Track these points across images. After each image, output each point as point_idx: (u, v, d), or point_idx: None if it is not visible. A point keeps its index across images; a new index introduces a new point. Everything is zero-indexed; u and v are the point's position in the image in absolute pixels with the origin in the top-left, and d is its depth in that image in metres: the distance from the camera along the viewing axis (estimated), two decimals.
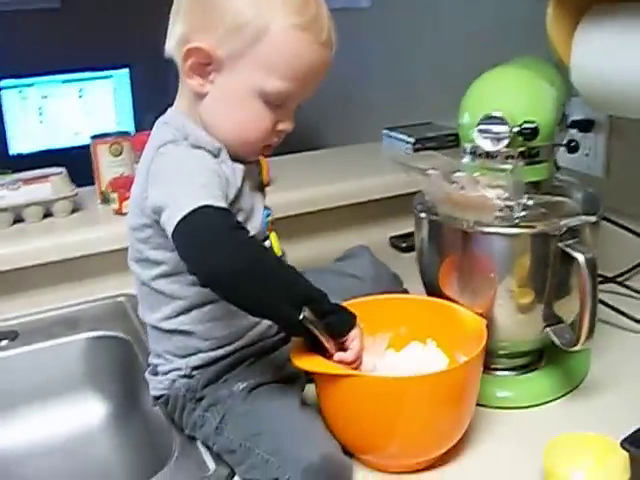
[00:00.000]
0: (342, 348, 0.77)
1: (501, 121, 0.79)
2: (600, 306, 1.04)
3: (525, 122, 0.79)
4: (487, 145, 0.80)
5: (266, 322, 0.85)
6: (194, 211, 0.70)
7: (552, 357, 0.92)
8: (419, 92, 1.79)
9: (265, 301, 0.72)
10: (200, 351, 0.83)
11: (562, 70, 0.94)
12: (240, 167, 0.82)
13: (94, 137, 1.33)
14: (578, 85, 0.93)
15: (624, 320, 1.03)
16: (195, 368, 0.83)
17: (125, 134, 1.39)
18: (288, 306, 0.72)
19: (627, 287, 1.11)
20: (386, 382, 0.74)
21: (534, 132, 0.79)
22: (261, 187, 0.91)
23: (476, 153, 0.84)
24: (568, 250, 0.78)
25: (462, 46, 1.58)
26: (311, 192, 1.39)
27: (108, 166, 1.33)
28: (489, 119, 0.79)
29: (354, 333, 0.77)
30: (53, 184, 1.26)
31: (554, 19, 0.92)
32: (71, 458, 1.08)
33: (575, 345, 0.81)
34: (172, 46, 0.81)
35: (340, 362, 0.76)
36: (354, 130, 2.06)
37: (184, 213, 0.70)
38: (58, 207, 1.27)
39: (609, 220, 1.12)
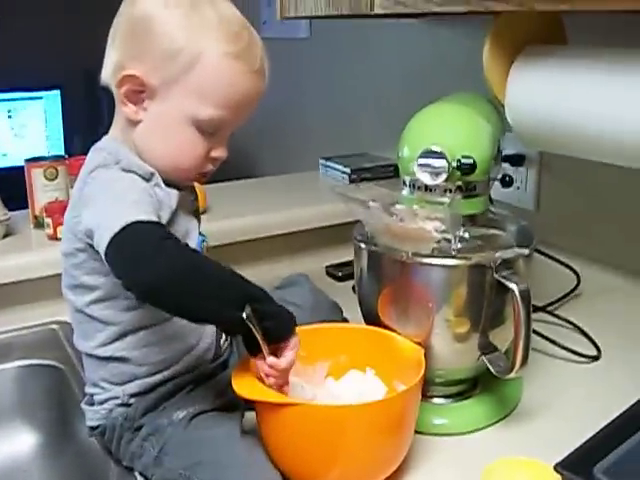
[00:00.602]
0: (276, 354, 0.76)
1: (440, 156, 0.81)
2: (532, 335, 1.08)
3: (463, 157, 0.82)
4: (426, 179, 0.82)
5: (203, 346, 0.86)
6: (124, 228, 0.70)
7: (486, 385, 0.94)
8: (355, 123, 1.82)
9: (205, 306, 0.71)
10: (137, 377, 0.82)
11: (497, 107, 0.98)
12: (174, 192, 0.83)
13: (28, 160, 1.31)
14: (513, 122, 0.97)
15: (554, 348, 1.07)
16: (133, 395, 0.82)
17: (60, 158, 1.36)
18: (229, 308, 0.71)
19: (556, 316, 1.15)
20: (327, 411, 0.74)
21: (472, 167, 0.82)
22: (196, 213, 0.91)
23: (415, 186, 0.86)
24: (503, 281, 0.81)
25: (398, 79, 1.62)
26: (247, 221, 1.40)
27: (42, 190, 1.31)
28: (429, 153, 0.82)
29: (292, 343, 0.76)
30: None
31: (490, 58, 0.96)
32: None
33: (509, 373, 0.84)
34: (108, 74, 0.82)
35: (271, 367, 0.75)
36: (291, 159, 2.09)
37: (114, 232, 0.70)
38: None
39: (539, 251, 1.16)
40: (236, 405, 0.83)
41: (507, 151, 1.24)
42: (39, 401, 1.12)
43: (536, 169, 1.24)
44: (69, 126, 2.95)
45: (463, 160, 0.81)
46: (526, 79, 0.95)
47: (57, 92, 2.94)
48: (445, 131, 0.86)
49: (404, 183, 0.88)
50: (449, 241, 0.80)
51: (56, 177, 1.31)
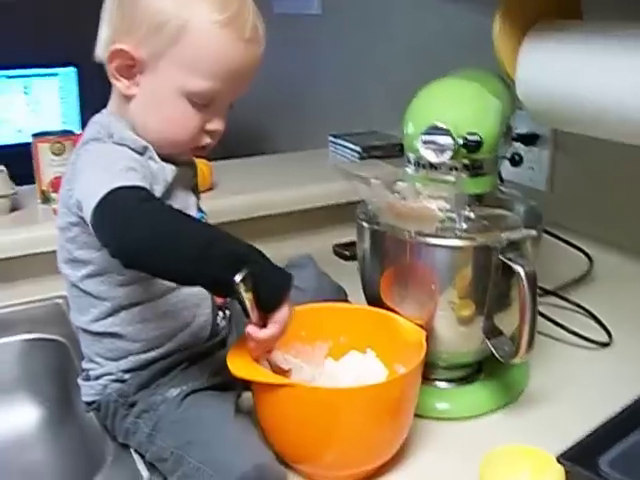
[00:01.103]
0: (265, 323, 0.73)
1: (445, 132, 0.79)
2: (539, 319, 1.05)
3: (469, 134, 0.79)
4: (431, 156, 0.79)
5: (198, 323, 0.84)
6: (107, 195, 0.68)
7: (491, 369, 0.92)
8: (366, 100, 1.79)
9: (192, 268, 0.68)
10: (131, 353, 0.82)
11: (508, 83, 0.95)
12: (170, 166, 0.81)
13: (35, 135, 1.30)
14: (523, 99, 0.94)
15: (563, 333, 1.04)
16: (127, 371, 0.82)
17: (68, 133, 1.35)
18: (219, 269, 0.68)
19: (567, 300, 1.12)
20: (323, 393, 0.73)
21: (478, 144, 0.79)
22: (195, 189, 0.89)
23: (420, 164, 0.83)
24: (509, 263, 0.78)
25: (410, 56, 1.59)
26: (253, 198, 1.38)
27: (49, 165, 1.29)
28: (433, 130, 0.79)
29: (278, 316, 0.72)
30: None
31: (500, 33, 0.93)
32: (2, 462, 1.05)
33: (514, 358, 0.82)
34: (100, 49, 0.81)
35: (250, 336, 0.72)
36: (305, 135, 2.06)
37: (98, 199, 0.68)
38: None
39: (550, 234, 1.14)
40: (232, 385, 0.81)
41: (519, 130, 1.20)
42: (42, 375, 1.11)
43: (549, 149, 1.21)
44: (86, 103, 2.94)
45: (469, 137, 0.79)
46: (538, 54, 0.92)
47: (73, 69, 2.93)
48: (450, 107, 0.83)
49: (408, 161, 0.85)
50: (453, 221, 0.78)
51: (63, 152, 1.30)
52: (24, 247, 1.19)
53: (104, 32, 0.80)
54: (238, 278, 0.67)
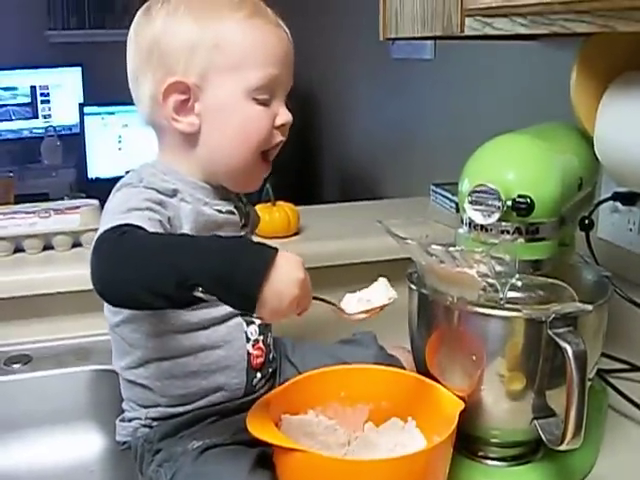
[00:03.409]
0: None
1: (493, 193, 0.73)
2: (620, 398, 0.96)
3: (519, 196, 0.73)
4: (478, 218, 0.74)
5: (229, 387, 0.83)
6: (97, 239, 0.67)
7: (550, 449, 0.84)
8: (473, 149, 1.73)
9: (147, 294, 0.63)
10: (159, 405, 0.82)
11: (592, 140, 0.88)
12: (216, 208, 0.82)
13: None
14: (602, 158, 0.86)
15: None
16: (154, 419, 0.82)
17: None
18: (175, 289, 0.62)
19: None
20: (337, 463, 0.69)
21: (528, 207, 0.73)
22: (251, 228, 0.90)
23: (471, 225, 0.78)
24: (556, 339, 0.71)
25: (513, 104, 1.52)
26: (337, 245, 1.35)
27: None
28: (481, 190, 0.74)
29: (264, 302, 0.62)
30: (82, 215, 1.27)
31: (578, 85, 0.86)
32: None
33: (560, 444, 0.74)
34: (148, 106, 0.82)
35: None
36: (412, 181, 2.02)
37: (94, 245, 0.67)
38: (86, 238, 1.29)
39: (634, 302, 1.04)
40: (255, 441, 0.79)
41: (618, 188, 1.11)
42: (110, 405, 1.13)
43: None
44: None
45: (518, 199, 0.73)
46: (619, 109, 0.84)
47: None
48: (504, 166, 0.77)
49: (461, 221, 0.80)
50: (495, 289, 0.72)
51: None
52: None
53: (146, 90, 0.81)
54: (197, 293, 0.62)
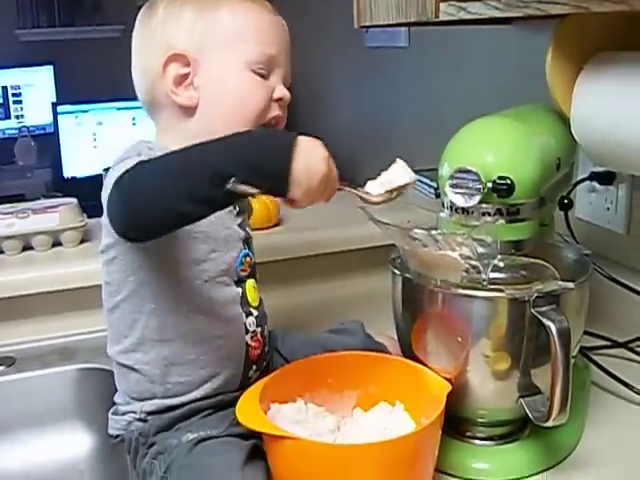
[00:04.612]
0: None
1: (474, 176, 0.74)
2: (602, 374, 0.97)
3: (499, 178, 0.74)
4: (459, 200, 0.75)
5: (225, 375, 0.83)
6: (115, 182, 0.70)
7: (536, 427, 0.85)
8: (449, 134, 1.74)
9: (182, 201, 0.67)
10: (155, 396, 0.82)
11: (568, 120, 0.89)
12: None
13: (107, 170, 1.33)
14: (579, 138, 0.87)
15: (628, 391, 0.95)
16: (149, 413, 0.82)
17: None
18: (206, 192, 0.67)
19: (638, 354, 1.03)
20: (327, 449, 0.70)
21: (508, 189, 0.74)
22: (243, 222, 0.90)
23: (453, 208, 0.79)
24: (539, 317, 0.72)
25: (488, 89, 1.53)
26: (316, 235, 1.36)
27: None
28: (462, 173, 0.75)
29: (299, 192, 0.68)
30: (61, 214, 1.26)
31: (553, 66, 0.87)
32: None
33: (546, 421, 0.75)
34: (146, 81, 0.84)
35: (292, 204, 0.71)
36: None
37: (108, 190, 0.72)
38: (66, 237, 1.28)
39: (619, 282, 1.05)
40: (252, 434, 0.79)
41: (595, 168, 1.12)
42: (96, 404, 1.13)
43: (627, 188, 1.12)
44: None
45: (499, 181, 0.74)
46: (595, 90, 0.85)
47: None
48: (483, 148, 0.78)
49: (442, 205, 0.81)
50: (478, 270, 0.73)
51: None
52: (91, 278, 1.22)
53: (146, 62, 0.84)
54: (229, 187, 0.65)
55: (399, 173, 0.76)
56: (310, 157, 0.68)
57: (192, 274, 0.80)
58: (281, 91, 0.84)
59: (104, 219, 0.79)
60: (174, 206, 0.68)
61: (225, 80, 0.82)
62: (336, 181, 0.72)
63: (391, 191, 0.75)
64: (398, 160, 0.77)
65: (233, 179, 0.64)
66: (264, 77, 0.83)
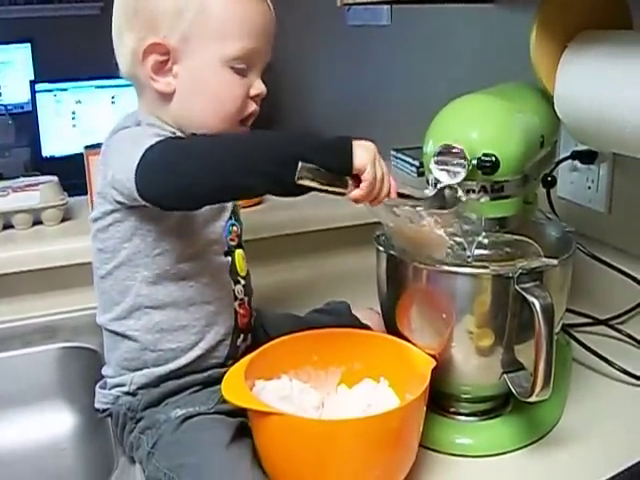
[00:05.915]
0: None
1: (458, 153, 0.74)
2: (584, 351, 0.98)
3: (484, 155, 0.74)
4: (444, 177, 0.75)
5: (213, 338, 0.84)
6: (142, 158, 0.71)
7: (519, 402, 0.85)
8: (432, 112, 1.74)
9: (248, 178, 0.70)
10: (146, 366, 0.83)
11: (551, 99, 0.89)
12: None
13: (87, 147, 1.32)
14: (562, 116, 0.88)
15: (608, 367, 0.96)
16: (140, 387, 0.82)
17: None
18: (275, 169, 0.70)
19: (619, 331, 1.04)
20: (312, 424, 0.70)
21: (493, 166, 0.74)
22: None
23: (437, 185, 0.79)
24: (523, 294, 0.73)
25: (472, 68, 1.53)
26: (300, 213, 1.35)
27: None
28: (446, 150, 0.75)
29: (366, 175, 0.72)
30: (42, 192, 1.25)
31: (537, 44, 0.87)
32: (37, 467, 1.08)
33: (530, 396, 0.76)
34: (127, 61, 0.83)
35: (356, 201, 0.74)
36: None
37: (135, 165, 0.71)
38: (47, 215, 1.27)
39: (601, 261, 1.06)
40: (240, 411, 0.79)
41: (578, 147, 1.13)
42: (79, 383, 1.13)
43: (608, 167, 1.13)
44: None
45: (483, 158, 0.74)
46: (579, 68, 0.85)
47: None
48: (468, 125, 0.78)
49: (427, 182, 0.81)
50: (463, 247, 0.73)
51: None
52: (73, 256, 1.21)
53: (127, 44, 0.82)
54: (297, 176, 0.68)
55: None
56: (365, 148, 0.74)
57: (185, 242, 0.82)
58: (258, 87, 0.84)
59: (105, 187, 0.79)
60: (238, 180, 0.70)
61: (203, 75, 0.81)
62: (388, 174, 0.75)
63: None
64: None
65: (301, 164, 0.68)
66: (243, 73, 0.82)
